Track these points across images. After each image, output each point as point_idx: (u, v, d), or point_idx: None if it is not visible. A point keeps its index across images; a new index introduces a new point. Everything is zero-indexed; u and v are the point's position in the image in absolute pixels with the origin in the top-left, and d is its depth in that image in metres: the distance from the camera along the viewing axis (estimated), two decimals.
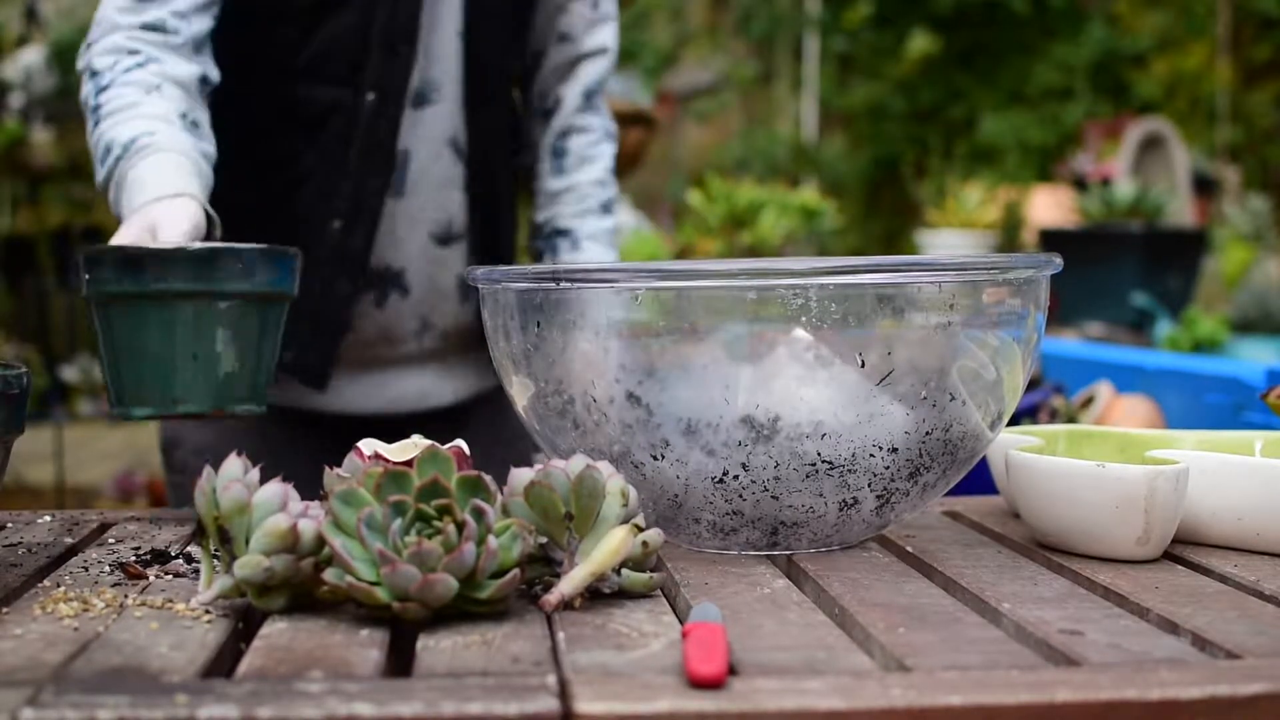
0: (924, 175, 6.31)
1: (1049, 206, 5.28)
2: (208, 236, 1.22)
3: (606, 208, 1.62)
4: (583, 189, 1.60)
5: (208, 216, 1.23)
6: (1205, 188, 5.60)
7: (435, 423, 1.53)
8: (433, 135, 1.47)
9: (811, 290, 0.91)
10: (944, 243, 4.45)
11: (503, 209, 1.55)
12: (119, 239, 1.16)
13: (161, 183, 1.23)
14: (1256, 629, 0.81)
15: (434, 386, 1.54)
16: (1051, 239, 4.34)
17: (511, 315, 0.98)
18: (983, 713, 0.67)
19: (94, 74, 1.34)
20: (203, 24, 1.37)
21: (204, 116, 1.35)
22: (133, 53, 1.34)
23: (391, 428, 1.48)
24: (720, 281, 0.92)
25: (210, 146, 1.33)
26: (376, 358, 1.50)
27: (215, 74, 1.38)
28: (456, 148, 1.49)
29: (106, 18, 1.36)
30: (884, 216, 8.06)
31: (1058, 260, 0.99)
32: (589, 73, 1.60)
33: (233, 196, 1.37)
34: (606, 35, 1.60)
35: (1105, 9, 8.37)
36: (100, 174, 1.28)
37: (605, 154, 1.63)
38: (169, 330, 1.09)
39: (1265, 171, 7.54)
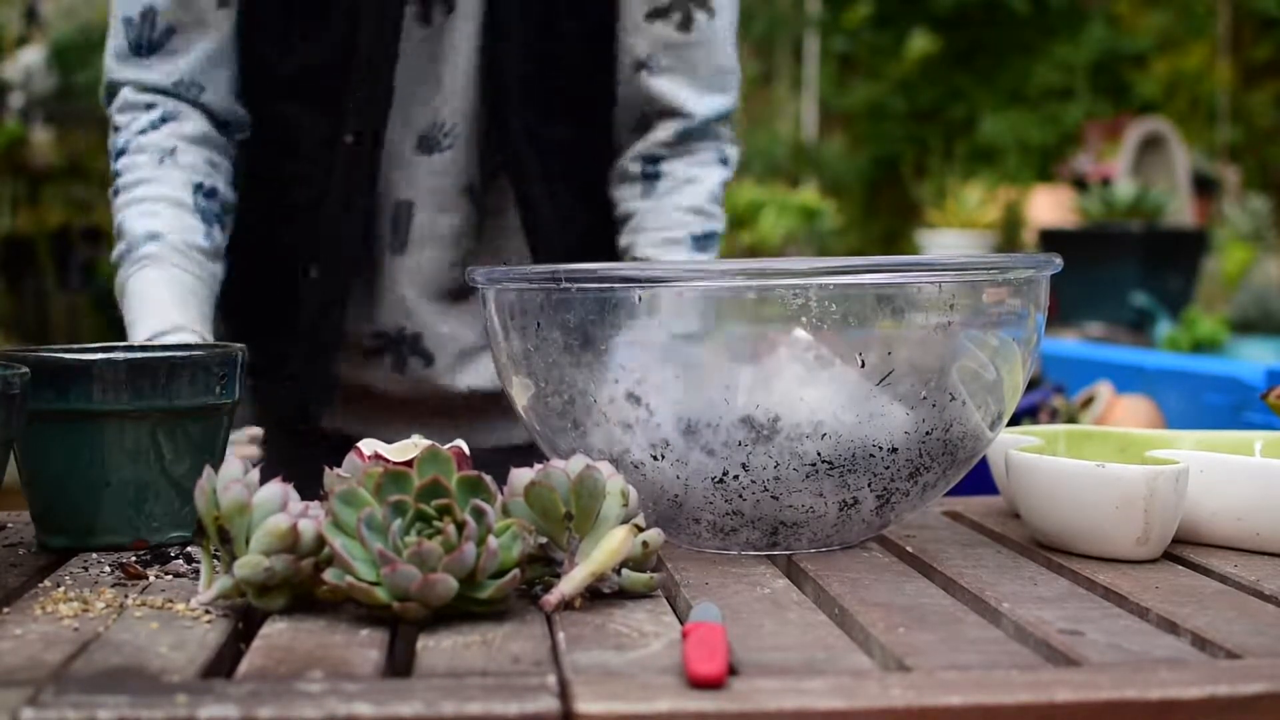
0: (924, 175, 6.31)
1: (1049, 206, 5.29)
2: None
3: (701, 243, 1.38)
4: (670, 215, 1.37)
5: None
6: (1205, 188, 5.61)
7: (515, 457, 1.37)
8: (442, 186, 1.34)
9: (811, 290, 0.91)
10: (944, 243, 4.45)
11: (554, 254, 1.36)
12: None
13: (160, 314, 1.21)
14: (1256, 629, 0.81)
15: (501, 433, 1.41)
16: (1051, 239, 4.34)
17: (512, 315, 0.98)
18: (983, 713, 0.67)
19: (114, 129, 1.34)
20: (217, 77, 1.32)
21: (222, 175, 1.32)
22: (149, 107, 1.32)
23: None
24: (720, 281, 0.92)
25: (220, 232, 1.29)
26: (417, 418, 1.38)
27: (239, 114, 1.34)
28: (474, 197, 1.35)
29: (108, 69, 1.34)
30: (884, 216, 8.06)
31: (1058, 260, 0.99)
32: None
33: (239, 217, 1.34)
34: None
35: (1105, 9, 8.38)
36: (114, 253, 1.29)
37: (709, 178, 1.39)
38: (80, 453, 0.98)
39: (1265, 171, 7.54)
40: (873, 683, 0.70)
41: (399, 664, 0.77)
